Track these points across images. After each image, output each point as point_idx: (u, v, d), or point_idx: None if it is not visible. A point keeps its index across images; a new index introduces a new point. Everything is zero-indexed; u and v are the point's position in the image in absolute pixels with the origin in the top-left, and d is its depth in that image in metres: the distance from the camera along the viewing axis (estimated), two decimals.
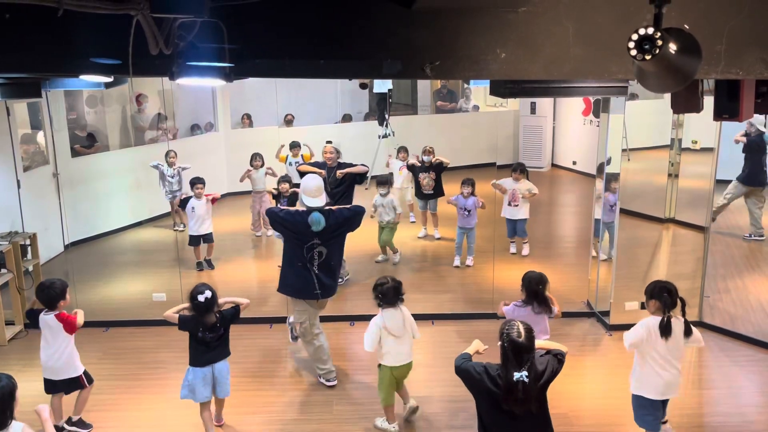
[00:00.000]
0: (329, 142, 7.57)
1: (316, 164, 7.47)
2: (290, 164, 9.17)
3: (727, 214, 8.20)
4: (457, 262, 8.13)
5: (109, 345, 6.34)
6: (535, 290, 4.90)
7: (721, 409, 5.24)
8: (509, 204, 8.27)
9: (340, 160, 7.47)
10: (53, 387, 4.92)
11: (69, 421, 5.00)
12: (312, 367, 5.79)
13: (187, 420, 4.95)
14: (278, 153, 9.35)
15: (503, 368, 3.35)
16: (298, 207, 5.58)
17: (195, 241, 8.05)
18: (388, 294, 4.72)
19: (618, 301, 6.52)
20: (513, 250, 8.49)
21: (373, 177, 8.60)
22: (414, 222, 9.39)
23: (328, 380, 5.54)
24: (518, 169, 8.29)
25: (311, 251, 5.30)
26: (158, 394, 5.47)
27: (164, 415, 5.18)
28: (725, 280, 7.11)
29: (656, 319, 4.35)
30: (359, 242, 7.36)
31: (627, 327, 6.41)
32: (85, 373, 4.97)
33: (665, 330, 4.30)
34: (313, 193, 5.33)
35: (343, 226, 5.41)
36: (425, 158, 8.63)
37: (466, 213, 7.96)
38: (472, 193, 7.97)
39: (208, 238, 8.10)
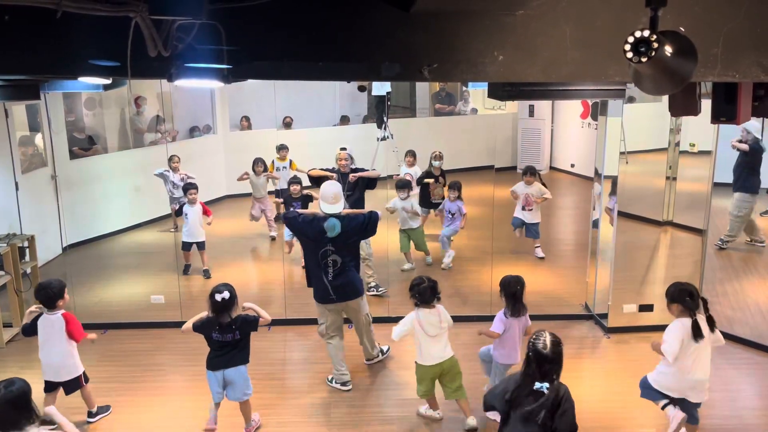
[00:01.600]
0: (344, 148, 7.51)
1: (328, 170, 7.45)
2: (278, 169, 9.16)
3: (724, 218, 8.21)
4: (445, 261, 8.13)
5: (107, 347, 6.33)
6: (513, 292, 4.90)
7: (718, 411, 5.24)
8: (523, 208, 8.27)
9: (352, 166, 7.47)
10: (53, 387, 4.95)
11: (90, 414, 5.07)
12: (309, 369, 5.79)
13: (186, 422, 4.95)
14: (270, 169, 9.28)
15: (525, 376, 3.35)
16: (314, 210, 5.61)
17: (187, 247, 8.02)
18: (425, 293, 4.76)
19: (616, 304, 6.53)
20: (539, 254, 8.45)
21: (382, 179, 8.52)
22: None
23: (342, 383, 5.52)
24: (528, 172, 8.29)
25: (325, 258, 5.32)
26: (156, 396, 5.46)
27: (163, 417, 5.17)
28: (723, 283, 7.12)
29: (682, 321, 4.35)
30: (380, 248, 7.38)
31: (625, 329, 6.49)
32: (84, 372, 5.02)
33: (697, 332, 4.29)
34: (330, 200, 5.33)
35: (358, 233, 5.39)
36: (436, 163, 8.57)
37: (450, 216, 7.95)
38: (459, 197, 7.95)
39: (200, 246, 8.04)
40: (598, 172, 6.76)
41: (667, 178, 6.71)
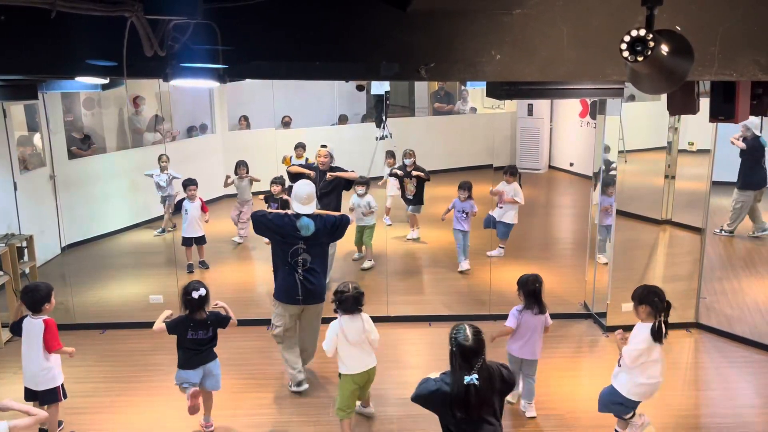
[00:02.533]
0: (324, 146, 7.54)
1: (308, 166, 7.45)
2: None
3: (723, 216, 8.22)
4: (464, 266, 7.96)
5: (105, 347, 6.33)
6: (532, 290, 4.88)
7: (717, 410, 5.25)
8: (497, 205, 8.29)
9: (332, 164, 7.46)
10: (33, 396, 4.79)
11: None
12: (308, 369, 5.78)
13: (184, 423, 4.95)
14: (284, 160, 9.27)
15: (453, 373, 3.28)
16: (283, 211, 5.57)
17: (188, 242, 8.09)
18: (347, 302, 4.60)
19: (615, 303, 6.52)
20: (493, 253, 8.39)
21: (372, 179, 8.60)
22: (390, 225, 9.33)
23: (297, 383, 5.44)
24: (508, 172, 8.30)
25: (296, 257, 5.26)
26: (154, 396, 5.46)
27: (161, 417, 5.17)
28: (722, 282, 7.12)
29: (647, 326, 4.33)
30: (345, 243, 7.36)
31: (624, 328, 6.47)
32: (62, 385, 4.83)
33: (658, 335, 4.27)
34: (303, 201, 5.27)
35: (328, 234, 5.38)
36: (407, 161, 8.64)
37: (464, 216, 7.94)
38: (469, 197, 7.94)
39: (200, 241, 8.12)
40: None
41: (666, 176, 6.72)
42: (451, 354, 3.30)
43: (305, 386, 5.46)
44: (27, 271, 6.98)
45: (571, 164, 13.13)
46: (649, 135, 7.04)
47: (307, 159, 9.20)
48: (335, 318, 4.72)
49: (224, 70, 2.66)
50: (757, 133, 7.87)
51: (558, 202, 12.10)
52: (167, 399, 5.34)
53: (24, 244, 6.94)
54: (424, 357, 6.16)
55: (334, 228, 5.37)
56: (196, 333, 4.70)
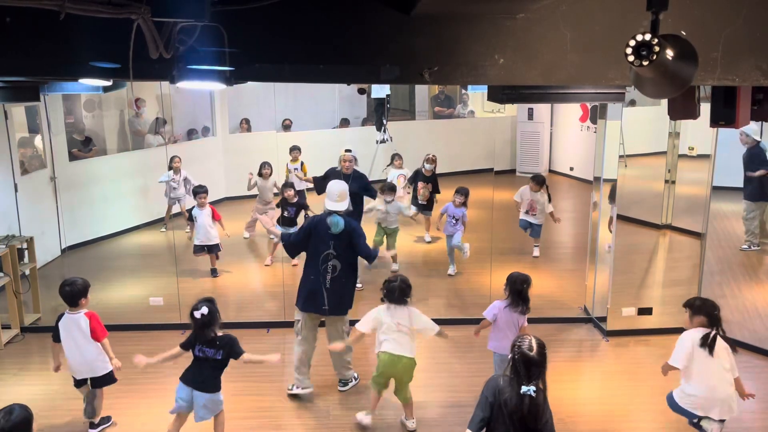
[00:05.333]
0: (348, 150, 7.47)
1: (332, 171, 7.39)
2: (290, 171, 9.17)
3: (723, 221, 8.21)
4: (451, 270, 8.11)
5: None
6: (519, 290, 4.92)
7: None
8: (527, 212, 8.33)
9: (355, 167, 7.44)
10: (81, 384, 4.94)
11: (92, 426, 5.01)
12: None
13: (184, 426, 4.93)
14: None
15: (512, 381, 3.30)
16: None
17: (198, 249, 8.01)
18: (393, 292, 4.82)
19: (615, 307, 6.53)
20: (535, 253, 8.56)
21: (374, 182, 8.58)
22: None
23: (300, 387, 5.45)
24: (536, 181, 8.35)
25: (326, 263, 5.29)
26: (154, 398, 5.45)
27: (160, 419, 5.15)
28: (722, 287, 7.12)
29: (695, 331, 4.40)
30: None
31: (624, 333, 6.50)
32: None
33: (711, 343, 4.37)
34: (335, 198, 5.36)
35: (354, 245, 5.37)
36: (427, 166, 8.63)
37: (454, 221, 7.94)
38: (464, 204, 7.95)
39: (212, 249, 8.01)
40: (596, 176, 6.75)
41: (666, 181, 6.73)
42: (513, 362, 3.31)
43: (310, 389, 5.46)
44: (27, 272, 6.97)
45: (572, 168, 13.14)
46: (649, 139, 7.04)
47: (302, 163, 9.20)
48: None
49: (230, 72, 2.67)
50: (757, 138, 7.83)
51: (558, 206, 12.03)
52: (167, 401, 5.31)
53: (24, 245, 6.93)
54: (425, 360, 6.13)
55: (361, 250, 5.41)
56: (203, 350, 4.54)
